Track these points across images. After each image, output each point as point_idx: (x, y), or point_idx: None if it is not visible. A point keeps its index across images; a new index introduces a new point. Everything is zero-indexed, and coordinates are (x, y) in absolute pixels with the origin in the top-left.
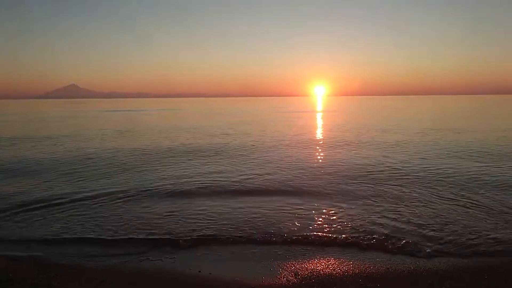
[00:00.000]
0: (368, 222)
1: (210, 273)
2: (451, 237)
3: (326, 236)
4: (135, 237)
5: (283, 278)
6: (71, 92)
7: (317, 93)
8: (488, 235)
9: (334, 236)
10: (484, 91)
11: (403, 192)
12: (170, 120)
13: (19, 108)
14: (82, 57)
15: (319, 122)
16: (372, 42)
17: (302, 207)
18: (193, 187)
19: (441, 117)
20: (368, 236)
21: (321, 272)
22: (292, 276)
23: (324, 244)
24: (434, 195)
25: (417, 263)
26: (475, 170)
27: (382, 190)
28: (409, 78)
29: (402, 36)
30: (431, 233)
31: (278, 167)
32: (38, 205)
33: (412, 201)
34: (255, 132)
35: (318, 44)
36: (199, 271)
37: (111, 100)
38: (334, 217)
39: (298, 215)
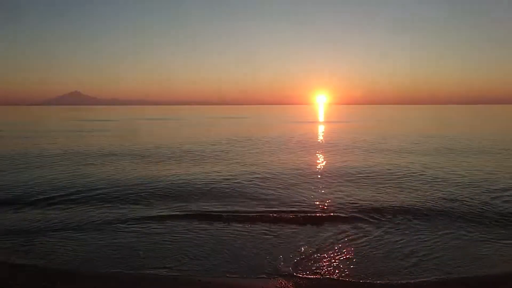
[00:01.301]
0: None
1: (209, 282)
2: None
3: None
4: (137, 250)
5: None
6: (74, 99)
7: (319, 101)
8: None
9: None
10: (498, 101)
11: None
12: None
13: (29, 115)
14: (85, 63)
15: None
16: (375, 49)
17: (310, 235)
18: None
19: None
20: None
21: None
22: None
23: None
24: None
25: None
26: None
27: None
28: (412, 87)
29: (404, 43)
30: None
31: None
32: (38, 212)
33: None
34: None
35: (320, 52)
36: (199, 280)
37: (115, 107)
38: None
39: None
